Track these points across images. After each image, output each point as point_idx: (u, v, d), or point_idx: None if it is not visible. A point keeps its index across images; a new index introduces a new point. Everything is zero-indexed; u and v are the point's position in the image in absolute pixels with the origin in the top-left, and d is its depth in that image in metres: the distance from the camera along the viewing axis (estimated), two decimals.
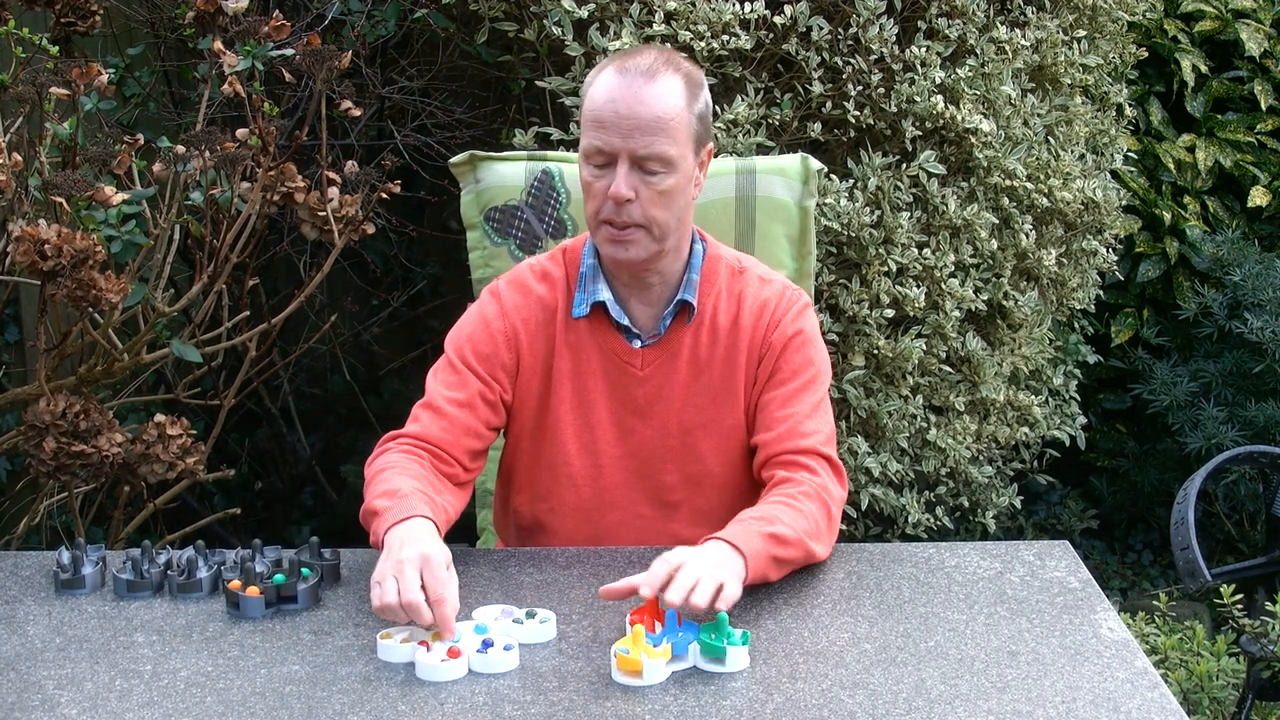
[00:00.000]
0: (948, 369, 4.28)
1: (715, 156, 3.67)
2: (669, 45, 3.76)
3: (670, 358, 2.76)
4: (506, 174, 3.23)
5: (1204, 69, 5.30)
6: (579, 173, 2.69)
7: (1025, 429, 4.60)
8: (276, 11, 3.65)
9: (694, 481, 2.78)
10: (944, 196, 4.07)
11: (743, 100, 3.84)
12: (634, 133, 2.58)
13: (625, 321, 2.75)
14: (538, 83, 4.08)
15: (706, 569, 2.30)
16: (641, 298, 2.77)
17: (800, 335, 2.76)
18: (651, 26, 3.79)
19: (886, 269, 4.02)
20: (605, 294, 2.75)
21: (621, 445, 2.78)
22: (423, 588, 2.29)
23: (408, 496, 2.48)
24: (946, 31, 3.99)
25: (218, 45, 3.42)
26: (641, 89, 2.59)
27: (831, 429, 2.74)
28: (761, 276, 2.81)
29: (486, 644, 2.23)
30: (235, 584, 2.46)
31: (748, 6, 3.81)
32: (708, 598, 2.24)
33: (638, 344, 2.76)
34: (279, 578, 2.47)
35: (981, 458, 4.53)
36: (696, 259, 2.77)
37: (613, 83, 2.62)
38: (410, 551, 2.34)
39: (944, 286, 4.10)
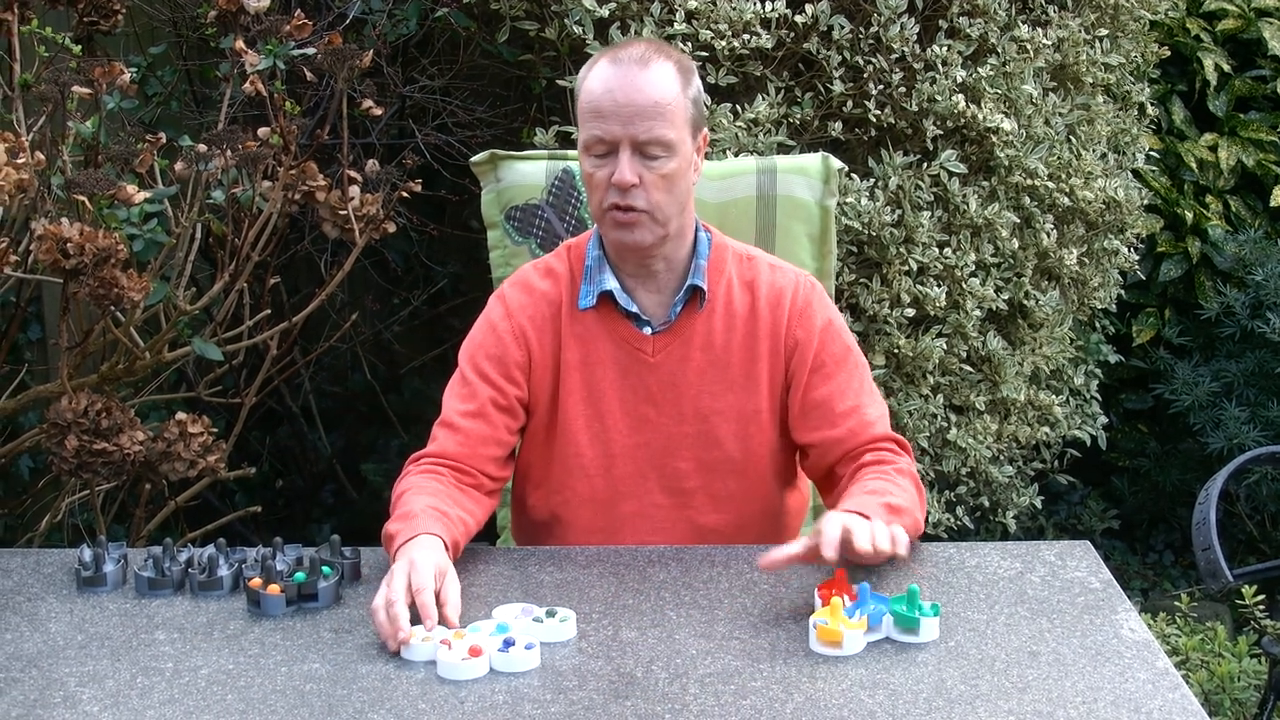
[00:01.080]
0: (968, 368, 4.27)
1: (737, 155, 3.69)
2: (690, 44, 3.77)
3: (683, 344, 2.77)
4: (527, 173, 3.23)
5: (1226, 68, 5.28)
6: (580, 166, 2.70)
7: (1046, 429, 4.59)
8: (298, 10, 3.65)
9: (710, 467, 2.79)
10: (965, 196, 4.06)
11: (763, 99, 3.83)
12: (634, 119, 2.60)
13: (634, 309, 2.76)
14: (559, 82, 4.08)
15: (870, 521, 2.42)
16: (648, 286, 2.78)
17: (830, 324, 2.80)
18: (672, 25, 3.79)
19: (907, 268, 4.02)
20: (612, 283, 2.76)
21: (634, 434, 2.79)
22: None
23: (417, 517, 2.51)
24: (968, 30, 3.98)
25: (239, 44, 3.42)
26: (637, 76, 2.62)
27: (885, 406, 2.82)
28: (771, 263, 2.84)
29: (508, 643, 2.23)
30: (256, 582, 2.46)
31: (768, 5, 3.80)
32: (888, 540, 2.40)
33: (648, 330, 2.77)
34: (300, 576, 2.47)
35: (1002, 457, 4.52)
36: (703, 246, 2.78)
37: (608, 73, 2.64)
38: (400, 563, 2.38)
39: (965, 286, 4.09)
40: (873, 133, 4.01)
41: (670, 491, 2.81)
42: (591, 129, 2.64)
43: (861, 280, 4.04)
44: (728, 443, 2.79)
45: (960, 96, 3.95)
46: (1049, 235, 4.30)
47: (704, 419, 2.78)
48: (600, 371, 2.78)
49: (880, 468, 2.68)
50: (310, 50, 3.49)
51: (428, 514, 2.52)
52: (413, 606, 2.31)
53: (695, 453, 2.79)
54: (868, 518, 2.46)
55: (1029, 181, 4.18)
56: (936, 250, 4.03)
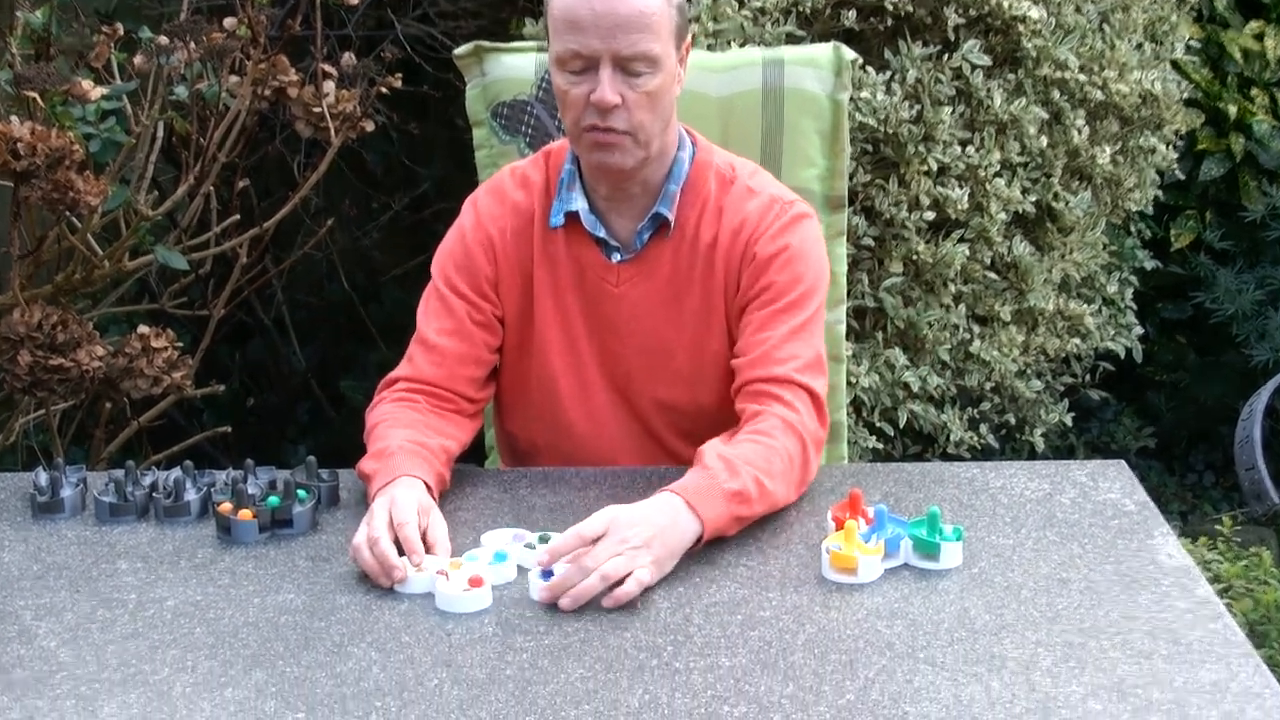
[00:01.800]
0: (993, 276, 4.26)
1: (742, 46, 3.66)
2: None
3: (647, 275, 2.72)
4: (515, 66, 3.21)
5: None
6: (553, 81, 2.62)
7: (1077, 340, 4.59)
8: None
9: (676, 407, 2.76)
10: (989, 90, 4.03)
11: None
12: (615, 32, 2.51)
13: (601, 234, 2.71)
14: None
15: (628, 545, 2.23)
16: (621, 209, 2.72)
17: (786, 252, 2.67)
18: None
19: (926, 168, 4.00)
20: (580, 203, 2.70)
21: (601, 366, 2.77)
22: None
23: (394, 455, 2.49)
24: None
25: None
26: None
27: (816, 354, 2.64)
28: (750, 187, 2.73)
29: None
30: (226, 507, 2.46)
31: None
32: (593, 593, 2.19)
33: (616, 258, 2.72)
34: (273, 500, 2.47)
35: (1029, 371, 4.52)
36: (680, 167, 2.71)
37: None
38: (380, 500, 2.38)
39: (989, 187, 4.07)
40: (889, 22, 3.98)
41: (642, 425, 2.79)
42: (567, 42, 2.54)
43: (877, 181, 4.02)
44: (692, 383, 2.74)
45: None
46: (1080, 132, 4.28)
47: (670, 355, 2.74)
48: (570, 297, 2.74)
49: (759, 423, 2.52)
50: None
51: (405, 451, 2.50)
52: (397, 543, 2.31)
53: (658, 389, 2.76)
54: (698, 514, 2.31)
55: (1058, 74, 4.15)
56: (958, 149, 4.01)
